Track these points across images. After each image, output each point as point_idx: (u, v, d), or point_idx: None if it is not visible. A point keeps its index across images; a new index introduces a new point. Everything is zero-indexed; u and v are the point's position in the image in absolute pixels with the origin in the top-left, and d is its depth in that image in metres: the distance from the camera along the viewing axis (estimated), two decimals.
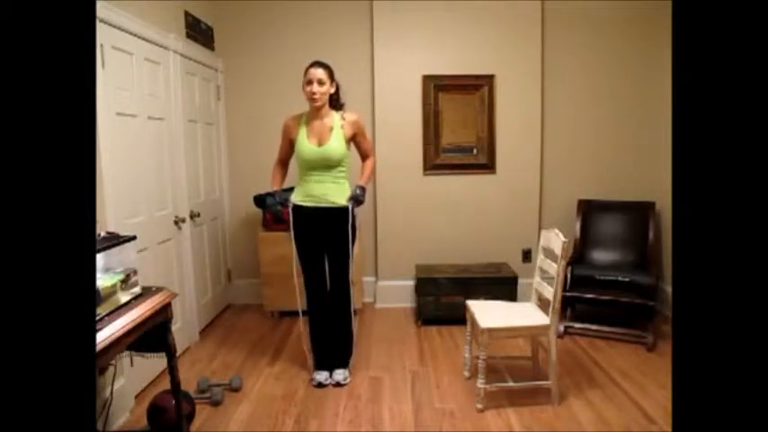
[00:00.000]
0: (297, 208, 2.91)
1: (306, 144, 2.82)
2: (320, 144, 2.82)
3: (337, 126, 2.83)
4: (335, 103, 2.90)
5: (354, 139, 2.93)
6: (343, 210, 2.88)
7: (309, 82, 2.76)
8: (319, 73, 2.75)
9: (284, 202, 2.94)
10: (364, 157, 3.04)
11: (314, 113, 2.85)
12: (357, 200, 2.89)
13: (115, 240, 2.04)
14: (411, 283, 4.20)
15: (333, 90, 2.84)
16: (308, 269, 2.97)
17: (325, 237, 2.92)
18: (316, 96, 2.75)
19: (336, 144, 2.81)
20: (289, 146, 2.95)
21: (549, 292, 2.67)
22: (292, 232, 2.96)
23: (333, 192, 2.85)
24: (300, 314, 3.11)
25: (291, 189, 3.04)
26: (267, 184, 3.44)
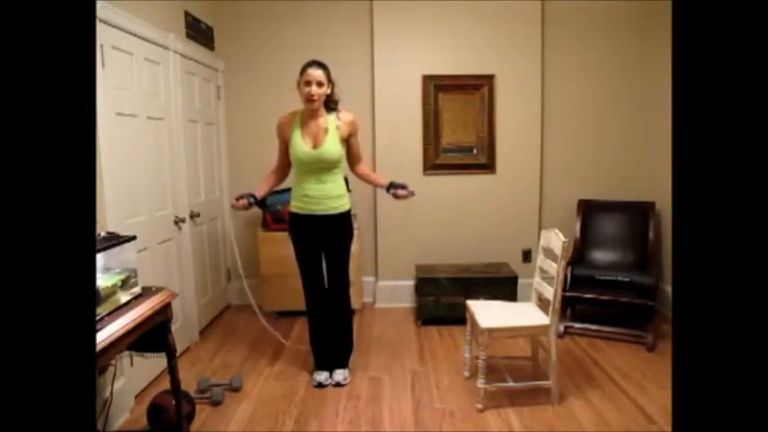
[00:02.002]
0: (295, 216, 2.90)
1: (301, 146, 2.78)
2: (315, 146, 2.78)
3: (332, 127, 2.80)
4: (330, 103, 2.85)
5: (348, 140, 2.87)
6: (342, 214, 2.88)
7: (308, 83, 2.70)
8: (318, 74, 2.71)
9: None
10: (355, 161, 2.96)
11: (309, 113, 2.81)
12: (401, 186, 2.88)
13: (115, 240, 2.04)
14: (411, 283, 4.20)
15: (329, 91, 2.80)
16: (306, 270, 2.96)
17: (324, 239, 2.91)
18: (314, 98, 2.71)
19: (332, 146, 2.78)
20: (285, 147, 2.89)
21: (549, 292, 2.67)
22: (290, 236, 2.96)
23: (329, 190, 2.82)
24: (257, 313, 3.10)
25: (286, 190, 3.03)
26: None
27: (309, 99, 2.72)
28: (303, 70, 2.74)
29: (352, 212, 2.98)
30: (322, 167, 2.80)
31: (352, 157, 2.95)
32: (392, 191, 2.88)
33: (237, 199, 2.81)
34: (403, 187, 2.86)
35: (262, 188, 2.93)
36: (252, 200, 2.81)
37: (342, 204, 2.88)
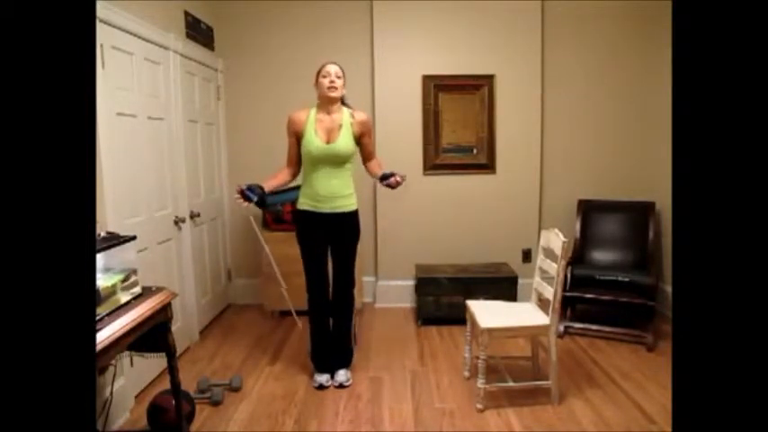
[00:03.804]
0: (303, 213, 2.89)
1: (314, 140, 2.78)
2: (328, 141, 2.79)
3: (347, 123, 2.81)
4: (344, 101, 2.90)
5: (361, 139, 2.88)
6: (350, 213, 2.88)
7: (327, 74, 2.76)
8: (336, 68, 2.79)
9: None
10: (368, 158, 2.97)
11: (324, 108, 2.82)
12: (390, 175, 2.76)
13: (115, 240, 2.04)
14: (411, 282, 4.20)
15: (344, 91, 2.84)
16: (310, 268, 2.95)
17: (331, 238, 2.90)
18: (335, 85, 2.75)
19: (345, 142, 2.79)
20: (296, 142, 2.87)
21: (549, 292, 2.67)
22: (297, 234, 2.95)
23: (339, 188, 2.82)
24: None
25: (287, 190, 3.01)
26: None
27: (330, 87, 2.75)
28: (320, 69, 2.82)
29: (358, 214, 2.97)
30: (333, 163, 2.80)
31: (366, 155, 2.97)
32: (384, 182, 2.80)
33: (241, 192, 2.68)
34: (391, 175, 2.77)
35: (271, 182, 2.86)
36: (255, 198, 2.69)
37: (350, 203, 2.88)
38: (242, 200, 2.68)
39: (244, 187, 2.69)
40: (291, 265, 3.12)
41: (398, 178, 2.77)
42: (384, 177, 2.80)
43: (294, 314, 3.10)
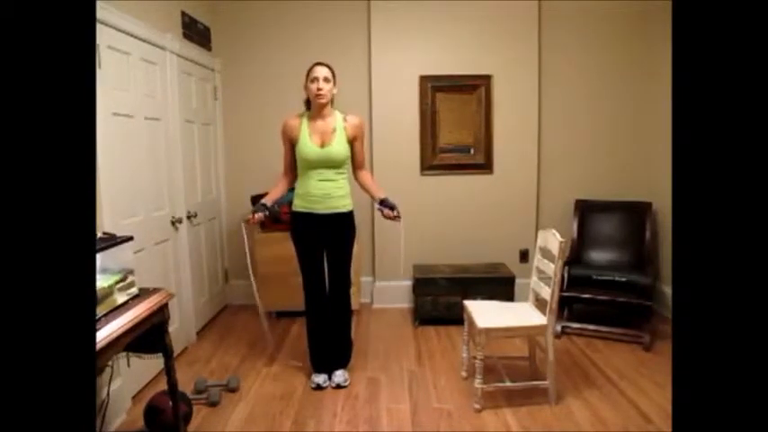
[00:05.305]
0: (298, 215, 2.89)
1: (308, 144, 2.78)
2: (323, 145, 2.78)
3: (340, 127, 2.81)
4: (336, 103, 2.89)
5: (353, 144, 2.87)
6: (345, 214, 2.88)
7: (315, 79, 2.73)
8: (324, 71, 2.75)
9: (274, 210, 2.89)
10: (358, 166, 2.94)
11: (316, 113, 2.81)
12: (391, 206, 2.84)
13: (112, 241, 2.04)
14: (408, 283, 4.20)
15: (336, 90, 2.83)
16: (307, 270, 2.95)
17: (326, 239, 2.90)
18: (322, 92, 2.72)
19: (339, 146, 2.79)
20: (291, 149, 2.88)
21: (546, 292, 2.68)
22: (292, 236, 2.95)
23: (333, 191, 2.82)
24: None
25: (289, 190, 3.02)
26: (264, 184, 3.44)
27: (318, 94, 2.73)
28: (309, 71, 2.78)
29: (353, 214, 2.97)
30: (328, 167, 2.80)
31: (356, 163, 2.93)
32: (380, 207, 2.86)
33: (253, 213, 2.81)
34: (392, 208, 2.83)
35: (273, 195, 2.91)
36: (266, 213, 2.82)
37: (345, 204, 2.87)
38: (258, 219, 2.81)
39: (258, 211, 2.82)
40: (289, 264, 3.12)
41: (396, 214, 2.82)
42: (384, 203, 2.84)
43: (262, 316, 3.14)
